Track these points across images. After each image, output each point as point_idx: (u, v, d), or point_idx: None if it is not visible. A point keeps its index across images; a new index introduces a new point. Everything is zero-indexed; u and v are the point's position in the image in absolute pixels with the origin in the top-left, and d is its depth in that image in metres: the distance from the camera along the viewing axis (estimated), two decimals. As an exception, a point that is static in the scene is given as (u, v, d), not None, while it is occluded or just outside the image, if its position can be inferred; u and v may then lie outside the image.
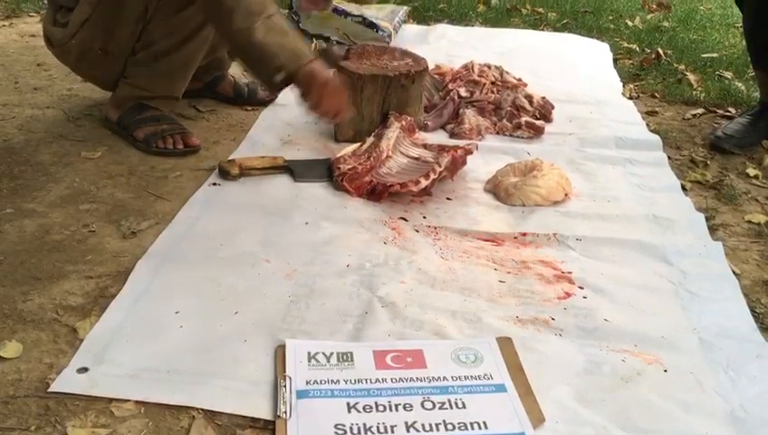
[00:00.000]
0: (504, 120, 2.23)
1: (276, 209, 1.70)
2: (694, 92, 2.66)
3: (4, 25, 3.13)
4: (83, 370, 1.17)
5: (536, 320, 1.35)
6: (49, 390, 1.13)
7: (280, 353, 1.22)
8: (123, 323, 1.29)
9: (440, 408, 1.12)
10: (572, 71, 2.84)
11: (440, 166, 1.80)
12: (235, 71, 2.49)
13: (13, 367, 1.18)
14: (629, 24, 3.62)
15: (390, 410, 1.11)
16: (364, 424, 1.08)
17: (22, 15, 3.29)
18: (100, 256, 1.51)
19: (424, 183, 1.76)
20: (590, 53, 3.10)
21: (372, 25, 2.89)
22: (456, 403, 1.13)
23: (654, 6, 3.94)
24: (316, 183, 1.84)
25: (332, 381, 1.17)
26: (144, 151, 1.97)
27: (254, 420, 1.10)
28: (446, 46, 3.08)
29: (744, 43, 2.35)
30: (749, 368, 1.25)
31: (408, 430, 1.07)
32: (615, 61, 3.03)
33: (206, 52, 2.05)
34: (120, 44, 1.95)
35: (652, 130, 2.28)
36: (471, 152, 1.92)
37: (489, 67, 2.48)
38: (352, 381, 1.17)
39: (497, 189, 1.83)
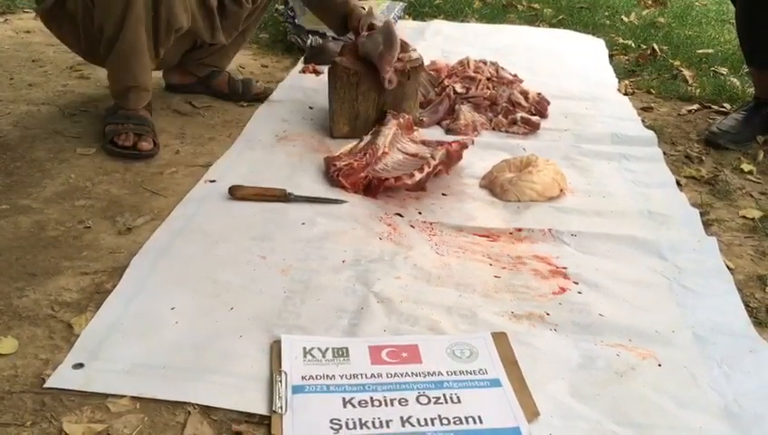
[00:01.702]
0: (500, 117, 2.24)
1: (271, 206, 1.70)
2: (689, 88, 2.67)
3: (-2, 21, 3.13)
4: (79, 366, 1.17)
5: (531, 315, 1.36)
6: (45, 385, 1.13)
7: (275, 349, 1.23)
8: (119, 319, 1.29)
9: (435, 402, 1.12)
10: (568, 67, 2.85)
11: (435, 159, 1.80)
12: (231, 67, 2.49)
13: (8, 363, 1.18)
14: (625, 20, 3.63)
15: (386, 404, 1.12)
16: (360, 419, 1.08)
17: (17, 12, 3.28)
18: (96, 252, 1.51)
19: (418, 176, 1.76)
20: (586, 50, 3.11)
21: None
22: (451, 398, 1.14)
23: (649, 2, 3.95)
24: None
25: (328, 376, 1.17)
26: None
27: (249, 415, 1.10)
28: (441, 42, 3.09)
29: (738, 39, 2.36)
30: (743, 363, 1.26)
31: (403, 425, 1.08)
32: (610, 57, 3.04)
33: (162, 35, 1.99)
34: (73, 11, 1.97)
35: (647, 126, 2.29)
36: (466, 146, 1.92)
37: (485, 63, 2.49)
38: (348, 377, 1.17)
39: (493, 185, 1.84)
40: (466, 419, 1.09)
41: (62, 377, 1.15)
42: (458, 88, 2.34)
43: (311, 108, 2.31)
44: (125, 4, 1.84)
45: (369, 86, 2.06)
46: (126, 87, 1.98)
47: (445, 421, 1.09)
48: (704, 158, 2.12)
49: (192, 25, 2.08)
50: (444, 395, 1.14)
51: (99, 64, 2.14)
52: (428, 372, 1.19)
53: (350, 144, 1.95)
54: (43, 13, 2.05)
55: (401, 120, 2.02)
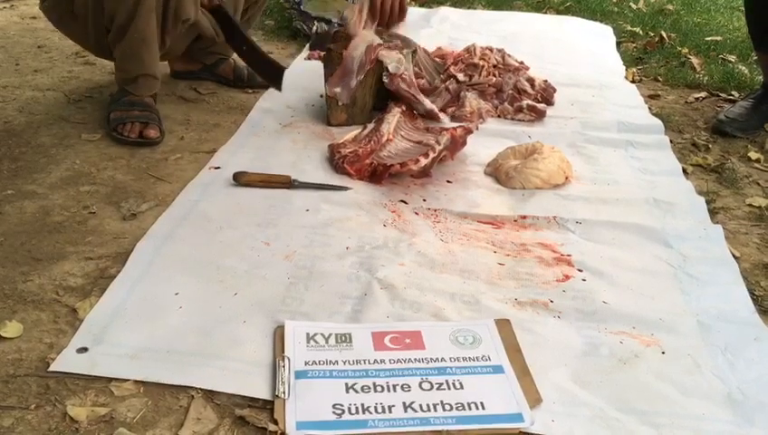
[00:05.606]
0: (506, 104, 2.23)
1: (276, 192, 1.70)
2: (697, 76, 2.65)
3: (4, 7, 3.13)
4: (83, 350, 1.18)
5: (535, 302, 1.35)
6: (49, 369, 1.14)
7: (279, 334, 1.23)
8: (123, 303, 1.29)
9: (438, 389, 1.12)
10: (575, 54, 2.83)
11: (440, 145, 1.80)
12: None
13: (13, 347, 1.19)
14: (633, 6, 3.60)
15: (388, 390, 1.12)
16: (362, 404, 1.09)
17: (22, -3, 3.28)
18: (101, 237, 1.51)
19: (423, 162, 1.76)
20: (594, 37, 3.09)
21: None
22: (454, 384, 1.14)
23: (658, -11, 3.91)
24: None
25: (331, 361, 1.17)
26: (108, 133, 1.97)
27: (252, 399, 1.11)
28: (448, 29, 3.07)
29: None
30: (747, 351, 1.25)
31: (405, 411, 1.08)
32: (618, 44, 3.02)
33: (170, 25, 2.01)
34: (81, 7, 1.97)
35: (654, 114, 2.27)
36: (471, 132, 1.91)
37: (491, 50, 2.47)
38: (351, 362, 1.17)
39: (498, 172, 1.83)
40: (469, 405, 1.09)
41: (66, 361, 1.15)
42: (461, 77, 2.32)
43: (321, 96, 2.28)
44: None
45: (366, 73, 2.04)
46: (135, 75, 1.98)
47: (447, 407, 1.09)
48: (711, 146, 2.11)
49: (200, 24, 2.10)
50: (447, 381, 1.14)
51: (107, 58, 2.13)
52: (431, 359, 1.19)
53: (355, 131, 1.95)
54: (47, 10, 2.05)
55: (404, 107, 2.01)
